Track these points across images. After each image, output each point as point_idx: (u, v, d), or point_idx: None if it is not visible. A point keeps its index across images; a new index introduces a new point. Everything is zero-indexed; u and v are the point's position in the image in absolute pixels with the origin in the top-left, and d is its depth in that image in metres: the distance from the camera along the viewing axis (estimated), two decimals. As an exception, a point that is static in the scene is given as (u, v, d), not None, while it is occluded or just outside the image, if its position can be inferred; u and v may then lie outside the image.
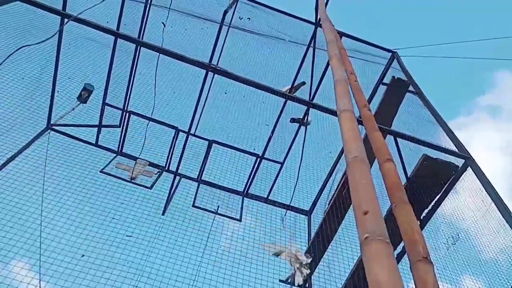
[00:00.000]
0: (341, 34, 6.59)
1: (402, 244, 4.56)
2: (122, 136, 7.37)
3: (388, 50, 7.20)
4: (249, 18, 7.30)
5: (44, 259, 4.64)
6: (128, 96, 7.53)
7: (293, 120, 7.28)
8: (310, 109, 6.20)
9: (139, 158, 7.32)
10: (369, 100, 6.38)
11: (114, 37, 6.30)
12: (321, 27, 5.39)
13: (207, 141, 7.17)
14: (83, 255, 4.91)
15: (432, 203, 4.40)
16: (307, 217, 7.61)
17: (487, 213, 4.06)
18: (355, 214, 1.49)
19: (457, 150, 4.46)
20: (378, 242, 1.31)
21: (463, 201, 4.53)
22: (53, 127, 7.11)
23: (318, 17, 5.67)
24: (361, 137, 2.11)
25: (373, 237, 1.33)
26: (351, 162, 1.84)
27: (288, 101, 6.62)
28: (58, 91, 6.90)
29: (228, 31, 6.90)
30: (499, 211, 3.73)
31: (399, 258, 4.45)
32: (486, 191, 4.00)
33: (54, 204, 5.70)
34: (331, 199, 6.33)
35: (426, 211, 4.47)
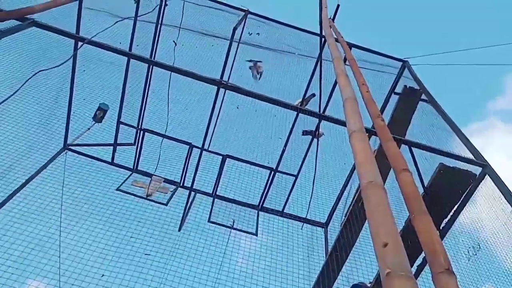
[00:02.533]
0: (351, 45, 6.61)
1: (422, 255, 4.49)
2: (137, 154, 7.47)
3: (399, 60, 7.18)
4: (258, 34, 7.38)
5: (64, 279, 4.68)
6: (142, 114, 7.64)
7: (305, 133, 7.28)
8: (322, 120, 6.19)
9: (154, 175, 7.40)
10: (382, 110, 6.35)
11: (127, 58, 6.42)
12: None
13: (221, 156, 7.21)
14: (103, 275, 4.95)
15: (451, 213, 4.33)
16: (324, 229, 7.55)
17: (508, 221, 3.98)
18: (374, 246, 1.43)
19: (474, 158, 4.40)
20: (401, 278, 1.25)
21: (482, 210, 4.45)
22: (70, 147, 7.24)
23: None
24: (374, 159, 2.03)
25: (396, 272, 1.29)
26: (366, 188, 1.76)
27: (300, 113, 6.63)
28: (73, 112, 7.05)
29: (238, 47, 6.98)
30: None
31: (419, 269, 4.37)
32: (505, 198, 3.93)
33: (73, 224, 5.77)
34: (347, 211, 6.27)
35: (445, 221, 4.40)
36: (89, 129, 7.61)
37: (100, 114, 7.57)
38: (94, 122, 7.58)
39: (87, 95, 7.49)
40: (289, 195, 7.42)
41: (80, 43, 5.14)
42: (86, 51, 6.42)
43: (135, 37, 6.89)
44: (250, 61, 7.45)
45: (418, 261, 4.30)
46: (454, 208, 4.39)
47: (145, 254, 5.50)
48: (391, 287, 1.25)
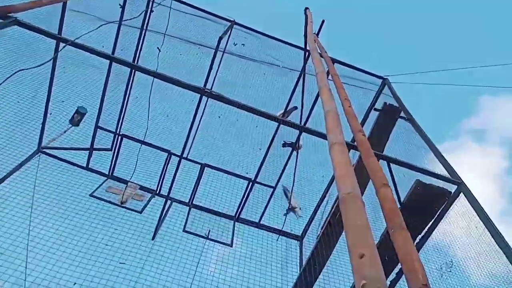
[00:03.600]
0: (333, 61, 6.73)
1: (396, 270, 4.54)
2: (114, 159, 7.32)
3: (379, 77, 7.36)
4: (243, 44, 7.43)
5: (35, 286, 4.50)
6: (121, 120, 7.53)
7: (285, 145, 7.32)
8: (303, 134, 6.25)
9: (130, 182, 7.26)
10: (361, 126, 6.44)
11: (109, 61, 6.33)
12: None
13: (200, 165, 7.15)
14: (75, 283, 4.78)
15: (426, 229, 4.41)
16: (299, 242, 7.54)
17: (480, 238, 4.08)
18: (350, 257, 1.41)
19: (449, 176, 4.51)
20: None
21: (456, 227, 4.56)
22: (44, 150, 7.04)
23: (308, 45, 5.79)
24: (353, 172, 2.04)
25: (371, 284, 1.28)
26: (344, 199, 1.75)
27: (281, 126, 6.68)
28: (50, 113, 6.88)
29: (222, 56, 7.00)
30: (492, 236, 3.75)
31: (393, 284, 4.42)
32: (478, 216, 4.03)
33: (44, 230, 5.58)
34: (323, 224, 6.30)
35: (419, 237, 4.47)
36: (65, 132, 7.44)
37: (77, 118, 7.42)
38: (71, 125, 7.42)
39: (66, 97, 7.34)
40: (266, 207, 7.41)
41: (62, 45, 5.04)
42: (69, 53, 6.32)
43: (119, 41, 6.82)
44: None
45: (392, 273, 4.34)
46: (429, 224, 4.47)
47: (120, 263, 5.35)
48: None
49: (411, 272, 1.89)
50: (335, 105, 3.03)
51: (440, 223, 4.55)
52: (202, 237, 6.84)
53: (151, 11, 6.86)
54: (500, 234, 3.71)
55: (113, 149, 7.47)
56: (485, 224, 3.94)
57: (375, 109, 6.40)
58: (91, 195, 6.76)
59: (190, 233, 6.86)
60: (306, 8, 5.94)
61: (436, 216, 4.37)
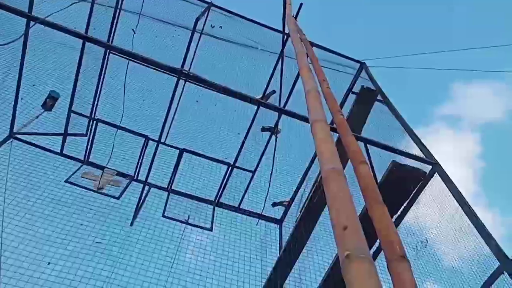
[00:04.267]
0: (312, 44, 6.71)
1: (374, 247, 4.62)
2: (89, 145, 7.16)
3: (357, 61, 7.41)
4: (221, 27, 7.32)
5: (6, 267, 4.39)
6: (95, 104, 7.34)
7: (264, 129, 7.31)
8: (282, 118, 6.24)
9: (107, 168, 7.12)
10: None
11: (82, 41, 6.13)
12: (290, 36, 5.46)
13: (178, 150, 7.07)
14: (49, 263, 4.69)
15: (401, 209, 4.50)
16: (278, 226, 7.60)
17: (453, 218, 4.19)
18: (334, 230, 1.42)
19: (424, 157, 4.60)
20: (360, 260, 1.24)
21: (430, 207, 4.67)
22: (16, 135, 6.82)
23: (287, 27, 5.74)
24: (335, 147, 2.04)
25: (355, 254, 1.28)
26: (327, 174, 1.75)
27: (260, 111, 6.65)
28: (22, 98, 6.64)
29: (200, 38, 6.88)
30: (466, 215, 3.85)
31: (374, 256, 4.50)
32: (453, 196, 4.13)
33: (17, 218, 5.43)
34: (302, 208, 6.35)
35: (395, 217, 4.55)
36: (37, 117, 7.21)
37: (50, 102, 7.19)
38: (43, 110, 7.19)
39: (37, 80, 7.09)
40: (245, 191, 7.41)
41: (32, 23, 4.85)
42: (39, 32, 6.08)
43: (92, 21, 6.59)
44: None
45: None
46: (404, 204, 4.56)
47: (97, 242, 5.26)
48: (350, 268, 1.24)
49: (388, 244, 1.91)
50: (316, 85, 3.02)
51: (415, 204, 4.65)
52: (182, 222, 6.81)
53: (126, -10, 6.66)
54: (474, 211, 3.82)
55: (88, 134, 7.30)
56: (458, 202, 4.04)
57: (353, 92, 6.46)
58: (66, 181, 6.61)
59: (170, 218, 6.80)
60: (285, -10, 5.87)
61: (411, 196, 4.46)
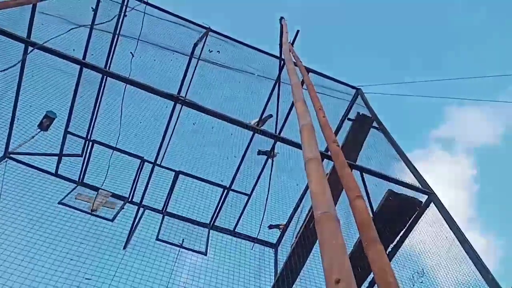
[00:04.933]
0: (308, 70, 6.78)
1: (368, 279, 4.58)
2: (84, 166, 7.12)
3: (353, 87, 7.47)
4: (218, 52, 7.39)
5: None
6: (92, 125, 7.34)
7: (260, 153, 7.31)
8: (278, 142, 6.25)
9: (101, 189, 7.07)
10: (335, 135, 6.51)
11: (79, 66, 6.17)
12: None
13: (174, 172, 7.05)
14: None
15: (397, 239, 4.47)
16: (274, 250, 7.53)
17: (450, 247, 4.17)
18: (326, 281, 1.39)
19: (420, 186, 4.60)
20: None
21: (426, 236, 4.64)
22: (11, 155, 6.78)
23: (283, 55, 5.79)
24: (329, 189, 2.01)
25: None
26: (320, 219, 1.72)
27: (256, 134, 6.66)
28: (18, 119, 6.63)
29: (197, 63, 6.94)
30: (461, 246, 3.84)
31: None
32: (448, 226, 4.12)
33: (8, 241, 5.35)
34: (298, 232, 6.30)
35: (391, 246, 4.53)
36: (33, 137, 7.18)
37: (46, 122, 7.17)
38: (39, 130, 7.17)
39: (34, 101, 7.09)
40: (241, 215, 7.36)
41: (30, 48, 4.88)
42: (37, 57, 6.12)
43: (90, 46, 6.65)
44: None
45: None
46: (401, 234, 4.54)
47: (86, 279, 5.16)
48: None
49: (385, 286, 1.89)
50: (311, 119, 3.02)
51: (412, 232, 4.63)
52: (176, 245, 6.72)
53: (124, 15, 6.73)
54: (469, 242, 3.80)
55: (83, 155, 7.27)
56: (454, 233, 4.03)
57: (349, 119, 6.49)
58: (59, 203, 6.54)
59: (164, 241, 6.73)
60: (282, 18, 5.97)
61: (407, 225, 4.44)
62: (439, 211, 4.22)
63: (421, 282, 3.96)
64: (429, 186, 4.57)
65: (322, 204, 1.83)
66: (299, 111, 3.07)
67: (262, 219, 7.14)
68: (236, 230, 7.47)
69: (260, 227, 7.31)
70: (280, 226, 7.46)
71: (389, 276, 1.94)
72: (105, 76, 6.84)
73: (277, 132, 6.69)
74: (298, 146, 4.80)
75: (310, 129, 2.75)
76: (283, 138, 5.00)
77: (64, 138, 7.08)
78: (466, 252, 3.66)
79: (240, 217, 7.40)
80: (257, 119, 7.27)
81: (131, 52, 6.53)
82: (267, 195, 7.01)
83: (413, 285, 4.05)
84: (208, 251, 6.88)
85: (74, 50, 6.70)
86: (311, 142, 2.56)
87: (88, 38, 6.60)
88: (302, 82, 5.56)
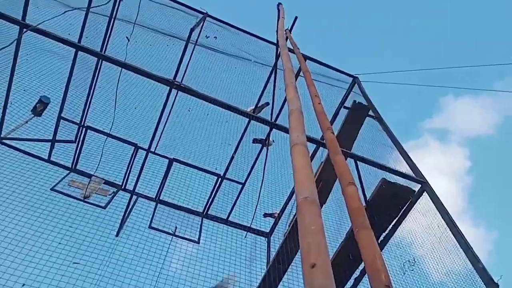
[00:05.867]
0: (306, 57, 6.74)
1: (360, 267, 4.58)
2: (77, 152, 7.07)
3: (350, 75, 7.43)
4: (215, 37, 7.32)
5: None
6: (86, 111, 7.26)
7: (255, 141, 7.28)
8: (273, 129, 6.21)
9: (94, 176, 7.02)
10: (331, 123, 6.50)
11: (75, 50, 6.09)
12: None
13: (168, 159, 7.01)
14: (23, 284, 4.53)
15: (390, 227, 4.47)
16: (267, 239, 7.53)
17: (441, 236, 4.17)
18: (303, 266, 1.34)
19: (413, 175, 4.59)
20: None
21: (418, 225, 4.65)
22: (3, 140, 6.72)
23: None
24: (313, 176, 1.98)
25: None
26: (301, 204, 1.69)
27: (252, 122, 6.62)
28: (11, 103, 6.56)
29: (194, 49, 6.86)
30: (454, 237, 3.84)
31: (357, 282, 4.45)
32: (440, 215, 4.12)
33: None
34: (291, 221, 6.30)
35: (383, 234, 4.53)
36: (27, 122, 7.11)
37: (40, 108, 7.10)
38: (33, 115, 7.10)
39: (28, 86, 7.01)
40: (235, 203, 7.35)
41: (24, 30, 4.81)
42: (32, 39, 6.03)
43: (85, 29, 6.55)
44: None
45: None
46: (393, 222, 4.54)
47: (74, 263, 5.12)
48: None
49: (374, 272, 1.87)
50: (300, 104, 2.98)
51: (404, 221, 4.63)
52: (169, 233, 6.71)
53: (121, -1, 6.64)
54: (460, 232, 3.80)
55: (77, 141, 7.21)
56: (446, 223, 4.03)
57: (345, 107, 6.46)
58: (52, 189, 6.49)
59: (157, 229, 6.70)
60: (279, 3, 5.91)
61: (400, 214, 4.44)
62: (432, 200, 4.22)
63: (412, 271, 3.97)
64: (423, 175, 4.56)
65: (304, 189, 1.80)
66: (289, 96, 3.04)
67: (256, 208, 7.12)
68: (229, 219, 7.46)
69: (253, 216, 7.30)
70: (274, 215, 7.46)
71: (378, 262, 1.92)
72: (100, 60, 6.76)
73: (273, 119, 6.65)
74: (292, 133, 4.76)
75: (299, 114, 2.72)
76: (278, 124, 4.97)
77: (58, 123, 7.00)
78: (457, 241, 3.66)
79: (233, 205, 7.38)
80: (253, 107, 7.23)
81: (127, 37, 6.44)
82: (261, 184, 6.99)
83: (404, 273, 4.05)
84: (201, 239, 6.87)
85: (69, 34, 6.61)
86: (299, 127, 2.53)
87: (84, 21, 6.50)
88: (299, 70, 5.51)
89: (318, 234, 1.51)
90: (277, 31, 5.48)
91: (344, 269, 4.37)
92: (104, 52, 6.81)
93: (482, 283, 3.42)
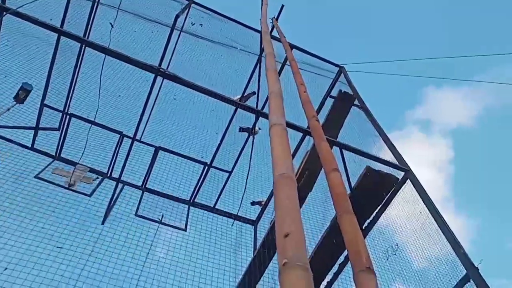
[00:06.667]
0: (292, 46, 6.72)
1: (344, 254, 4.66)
2: (61, 140, 6.97)
3: (336, 65, 7.45)
4: (201, 25, 7.24)
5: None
6: (69, 98, 7.15)
7: (242, 129, 7.28)
8: (260, 118, 6.22)
9: (79, 164, 6.95)
10: (317, 112, 6.53)
11: (57, 35, 5.96)
12: (273, 37, 5.44)
13: (154, 148, 6.97)
14: (6, 268, 4.49)
15: (373, 214, 4.55)
16: (253, 226, 7.58)
17: (424, 223, 4.27)
18: (276, 237, 1.37)
19: (397, 163, 4.66)
20: (297, 269, 1.20)
21: (401, 212, 4.74)
22: (-16, 127, 6.58)
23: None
24: (290, 154, 2.01)
25: (292, 263, 1.23)
26: (277, 180, 1.72)
27: (238, 111, 6.61)
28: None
29: (179, 35, 6.78)
30: (436, 223, 3.92)
31: (341, 267, 4.53)
32: (423, 202, 4.20)
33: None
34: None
35: (367, 221, 4.60)
36: (9, 109, 6.97)
37: (22, 95, 6.96)
38: (15, 102, 6.96)
39: (8, 72, 6.85)
40: (221, 191, 7.36)
41: (4, 13, 4.68)
42: (12, 24, 5.88)
43: (68, 14, 6.41)
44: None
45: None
46: (377, 210, 4.61)
47: (58, 247, 5.09)
48: (286, 277, 1.21)
49: (355, 255, 1.92)
50: (280, 88, 3.01)
51: (387, 208, 4.71)
52: (155, 221, 6.70)
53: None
54: (442, 217, 3.89)
55: (60, 129, 7.10)
56: (429, 209, 4.11)
57: (331, 96, 6.49)
58: (36, 177, 6.41)
59: (143, 217, 6.69)
60: (264, -10, 5.86)
61: (384, 201, 4.51)
62: (415, 187, 4.30)
63: (395, 255, 4.05)
64: (406, 163, 4.64)
65: (281, 166, 1.83)
66: (270, 79, 3.07)
67: (243, 196, 7.15)
68: (216, 207, 7.48)
69: (240, 204, 7.33)
70: (262, 203, 7.50)
71: (360, 245, 1.96)
72: (83, 46, 6.63)
73: (259, 107, 6.65)
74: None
75: (278, 97, 2.76)
76: (264, 112, 4.98)
77: (41, 111, 6.88)
78: (439, 226, 3.75)
79: (220, 194, 7.40)
80: (240, 96, 7.21)
81: (110, 23, 6.32)
82: (248, 172, 7.01)
83: (387, 259, 4.14)
84: (187, 227, 6.88)
85: (51, 20, 6.46)
86: (277, 109, 2.57)
87: (66, 5, 6.36)
88: (286, 59, 5.50)
89: (292, 206, 1.54)
90: (261, 19, 5.46)
91: (329, 255, 4.44)
92: (88, 38, 6.68)
93: (463, 267, 3.51)
